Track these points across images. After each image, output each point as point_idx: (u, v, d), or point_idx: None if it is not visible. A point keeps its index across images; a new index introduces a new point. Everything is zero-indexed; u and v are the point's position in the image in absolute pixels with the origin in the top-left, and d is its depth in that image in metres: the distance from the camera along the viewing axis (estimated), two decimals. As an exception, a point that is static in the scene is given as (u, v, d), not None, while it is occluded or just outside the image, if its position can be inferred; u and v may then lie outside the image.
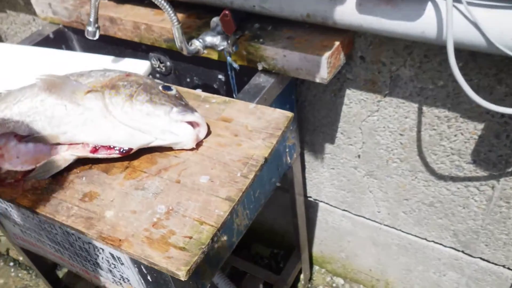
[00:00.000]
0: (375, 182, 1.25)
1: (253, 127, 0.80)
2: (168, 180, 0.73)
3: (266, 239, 1.84)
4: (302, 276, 1.67)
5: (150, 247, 0.64)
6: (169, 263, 0.62)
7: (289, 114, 0.81)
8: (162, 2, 0.80)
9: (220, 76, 1.09)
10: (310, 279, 1.73)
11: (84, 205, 0.71)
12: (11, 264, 1.87)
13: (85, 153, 0.75)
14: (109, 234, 0.66)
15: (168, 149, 0.78)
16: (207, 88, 1.15)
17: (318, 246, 1.68)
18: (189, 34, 1.01)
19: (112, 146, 0.75)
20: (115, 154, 0.75)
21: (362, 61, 1.00)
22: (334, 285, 1.72)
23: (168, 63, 1.15)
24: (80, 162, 0.78)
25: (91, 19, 0.88)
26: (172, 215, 0.68)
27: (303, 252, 1.55)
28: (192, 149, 0.77)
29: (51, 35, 1.24)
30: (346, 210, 1.42)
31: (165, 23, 1.05)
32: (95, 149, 0.75)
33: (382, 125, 1.10)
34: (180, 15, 1.08)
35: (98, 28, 0.90)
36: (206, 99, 0.87)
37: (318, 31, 0.93)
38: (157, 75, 1.21)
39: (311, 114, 1.20)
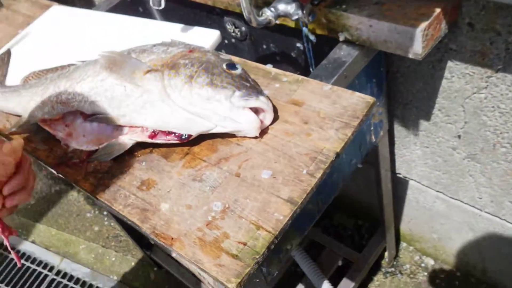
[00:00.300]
0: (478, 166, 1.08)
1: (326, 113, 0.69)
2: (228, 172, 0.66)
3: (349, 210, 1.74)
4: (386, 253, 1.56)
5: (201, 251, 0.59)
6: (220, 272, 0.56)
7: (370, 99, 0.69)
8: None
9: (298, 45, 0.98)
10: (396, 256, 1.61)
11: (141, 194, 0.67)
12: (105, 213, 1.99)
13: (144, 138, 0.71)
14: (162, 230, 0.62)
15: (231, 135, 0.71)
16: (284, 57, 1.04)
17: (406, 224, 1.55)
18: (264, -2, 0.90)
19: (170, 132, 0.70)
20: (173, 140, 0.70)
21: (470, 29, 0.82)
22: (422, 265, 1.59)
23: (243, 28, 1.06)
24: (141, 145, 0.74)
25: (156, -13, 0.81)
26: (228, 214, 0.61)
27: (388, 231, 1.44)
28: (255, 137, 0.69)
29: (129, -2, 1.20)
30: (440, 192, 1.27)
31: (239, -14, 0.94)
32: (154, 134, 0.71)
33: (490, 104, 0.92)
34: (256, -25, 0.97)
35: (163, -4, 0.83)
36: (276, 76, 0.78)
37: (414, -5, 0.77)
38: (232, 40, 1.13)
39: (403, 87, 1.05)
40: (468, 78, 0.91)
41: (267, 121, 0.69)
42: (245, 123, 0.67)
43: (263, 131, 0.69)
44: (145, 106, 0.70)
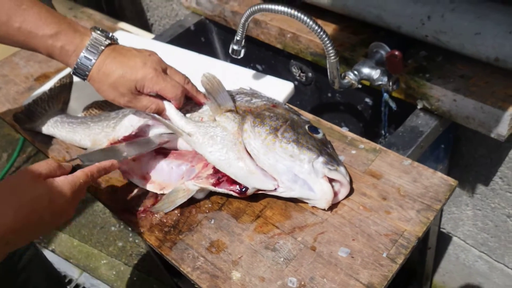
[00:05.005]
0: (532, 238, 1.05)
1: (406, 191, 0.67)
2: (302, 244, 0.65)
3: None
4: (417, 304, 1.53)
5: (275, 332, 0.57)
6: None
7: (453, 182, 0.67)
8: (321, 33, 0.68)
9: (367, 100, 0.96)
10: (425, 307, 1.58)
11: (211, 257, 0.66)
12: (130, 228, 1.92)
13: (207, 184, 0.69)
14: (234, 303, 0.60)
15: (304, 201, 0.69)
16: (349, 109, 1.03)
17: (441, 276, 1.51)
18: (341, 53, 0.89)
19: (234, 182, 0.68)
20: (234, 192, 0.68)
21: (552, 109, 0.80)
22: (451, 318, 1.55)
23: (309, 74, 1.05)
24: (210, 201, 0.73)
25: (238, 38, 0.80)
26: (304, 293, 0.60)
27: (425, 285, 1.41)
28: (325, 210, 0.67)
29: (192, 27, 1.20)
30: (484, 253, 1.24)
31: (314, 36, 0.93)
32: (218, 182, 0.69)
33: (559, 183, 0.89)
34: (331, 26, 0.96)
35: (244, 47, 0.82)
36: (352, 142, 0.76)
37: (500, 72, 0.75)
38: (295, 83, 1.12)
39: (465, 150, 1.02)
40: (540, 155, 0.88)
41: (341, 196, 0.67)
42: (318, 192, 0.65)
43: (340, 203, 0.68)
44: (215, 139, 0.68)
